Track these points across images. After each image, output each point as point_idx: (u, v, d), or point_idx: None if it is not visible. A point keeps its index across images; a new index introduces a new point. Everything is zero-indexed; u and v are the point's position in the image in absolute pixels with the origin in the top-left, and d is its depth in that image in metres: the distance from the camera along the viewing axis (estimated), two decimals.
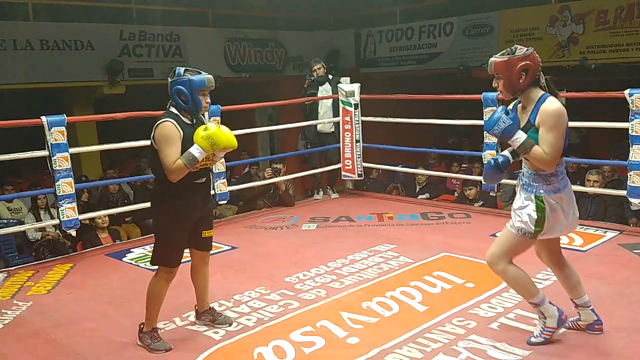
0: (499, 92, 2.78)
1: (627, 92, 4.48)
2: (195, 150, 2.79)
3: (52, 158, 4.50)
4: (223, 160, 5.48)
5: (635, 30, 8.00)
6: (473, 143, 8.71)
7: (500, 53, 2.70)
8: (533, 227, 2.70)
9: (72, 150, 4.69)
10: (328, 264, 4.22)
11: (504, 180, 5.91)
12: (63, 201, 4.61)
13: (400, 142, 7.11)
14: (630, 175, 4.58)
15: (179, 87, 2.88)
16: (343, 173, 6.57)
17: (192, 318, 3.38)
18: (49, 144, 4.49)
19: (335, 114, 6.46)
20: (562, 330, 2.93)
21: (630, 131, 4.51)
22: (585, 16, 8.49)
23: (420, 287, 3.68)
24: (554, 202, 2.69)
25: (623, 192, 4.75)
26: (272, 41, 10.78)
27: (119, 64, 8.71)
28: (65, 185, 4.60)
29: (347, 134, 6.41)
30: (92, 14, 9.07)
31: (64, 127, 4.55)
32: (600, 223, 5.14)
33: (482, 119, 5.35)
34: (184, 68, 2.95)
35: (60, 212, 4.63)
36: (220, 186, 5.55)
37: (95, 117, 7.26)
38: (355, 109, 6.32)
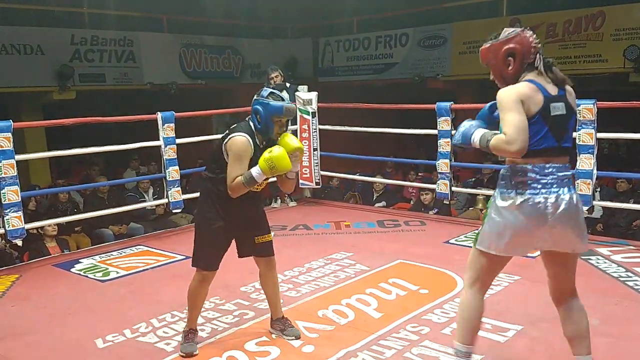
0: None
1: None
2: (255, 171, 2.77)
3: None
4: (177, 167, 5.40)
5: (583, 43, 8.33)
6: (429, 152, 8.86)
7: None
8: (478, 231, 2.36)
9: (19, 157, 4.54)
10: (285, 272, 4.19)
11: (457, 189, 6.11)
12: (9, 210, 4.45)
13: (358, 151, 7.15)
14: (578, 183, 4.73)
15: (258, 107, 2.86)
16: (301, 181, 6.56)
17: (143, 329, 3.29)
18: None
19: (293, 122, 6.45)
20: None
21: (577, 141, 4.67)
22: (535, 29, 8.64)
23: (376, 294, 3.69)
24: (505, 205, 2.25)
25: None
26: (229, 48, 10.71)
27: (70, 69, 8.46)
28: (11, 194, 4.44)
29: (305, 142, 6.41)
30: (42, 17, 8.80)
31: (10, 133, 4.41)
32: None
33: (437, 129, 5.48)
34: (270, 90, 2.92)
35: (5, 221, 4.46)
36: (175, 194, 5.45)
37: (42, 122, 7.04)
38: (312, 117, 6.33)
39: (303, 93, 6.38)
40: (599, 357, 2.83)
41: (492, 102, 2.36)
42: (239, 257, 3.14)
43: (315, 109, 6.33)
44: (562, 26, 8.51)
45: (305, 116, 6.34)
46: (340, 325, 3.27)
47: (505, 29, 2.34)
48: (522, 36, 2.28)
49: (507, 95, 2.20)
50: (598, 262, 4.20)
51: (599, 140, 4.69)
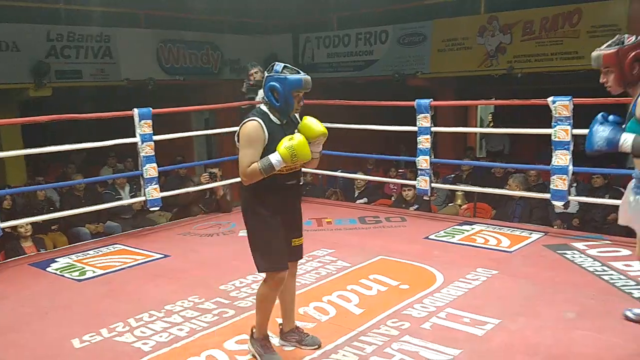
0: (607, 87, 2.57)
1: (550, 99, 4.70)
2: (274, 158, 2.61)
3: None
4: (155, 165, 5.33)
5: (559, 41, 8.42)
6: (409, 149, 8.89)
7: (606, 45, 2.51)
8: None
9: None
10: None
11: (437, 185, 6.14)
12: None
13: (339, 147, 7.14)
14: (553, 179, 4.79)
15: (274, 83, 2.69)
16: None
17: (120, 329, 3.25)
18: None
19: None
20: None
21: (552, 137, 4.72)
22: (513, 26, 8.86)
23: (357, 291, 3.69)
24: None
25: (547, 196, 4.97)
26: (208, 44, 10.62)
27: (46, 65, 8.32)
28: None
29: None
30: (17, 13, 8.62)
31: None
32: (526, 225, 5.35)
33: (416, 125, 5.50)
34: (283, 65, 2.75)
35: None
36: (153, 192, 5.37)
37: (18, 120, 6.92)
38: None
39: None
40: (575, 350, 2.88)
41: (603, 112, 2.58)
42: None
43: None
44: (539, 23, 8.60)
45: None
46: (321, 322, 3.26)
47: (624, 35, 2.50)
48: None
49: None
50: (574, 257, 4.26)
51: (575, 136, 4.74)
